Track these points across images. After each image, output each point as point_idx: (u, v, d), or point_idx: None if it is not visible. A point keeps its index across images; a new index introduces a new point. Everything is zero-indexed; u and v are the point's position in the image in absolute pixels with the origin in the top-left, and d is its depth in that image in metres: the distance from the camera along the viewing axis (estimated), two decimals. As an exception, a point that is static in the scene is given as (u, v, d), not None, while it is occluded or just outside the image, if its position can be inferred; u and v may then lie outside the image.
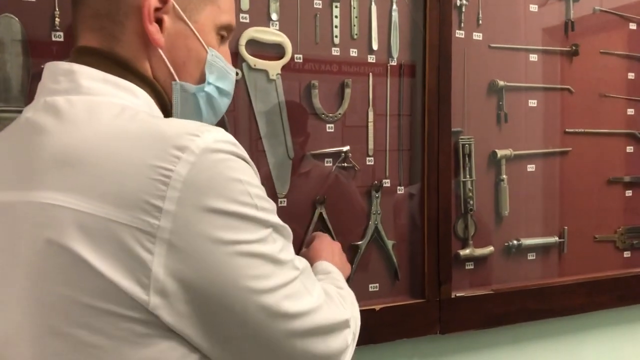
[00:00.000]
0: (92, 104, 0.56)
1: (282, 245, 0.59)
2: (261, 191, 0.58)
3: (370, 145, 1.23)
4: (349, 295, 0.78)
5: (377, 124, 1.23)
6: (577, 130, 1.44)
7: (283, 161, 1.15)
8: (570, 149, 1.44)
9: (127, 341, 0.50)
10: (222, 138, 0.55)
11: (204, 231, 0.51)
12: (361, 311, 1.16)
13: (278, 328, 0.56)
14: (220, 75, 0.69)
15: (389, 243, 1.25)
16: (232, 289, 0.53)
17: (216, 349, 0.55)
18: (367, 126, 1.22)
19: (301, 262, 0.63)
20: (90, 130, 0.53)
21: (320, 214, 1.17)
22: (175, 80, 0.64)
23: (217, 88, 0.69)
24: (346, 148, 1.19)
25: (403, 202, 1.27)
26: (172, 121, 0.56)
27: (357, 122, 1.22)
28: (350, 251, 1.21)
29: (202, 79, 0.66)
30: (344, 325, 0.66)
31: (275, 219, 0.59)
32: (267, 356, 0.57)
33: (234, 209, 0.53)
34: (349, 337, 0.67)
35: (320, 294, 0.63)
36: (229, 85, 0.72)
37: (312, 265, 0.90)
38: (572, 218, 1.46)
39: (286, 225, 0.62)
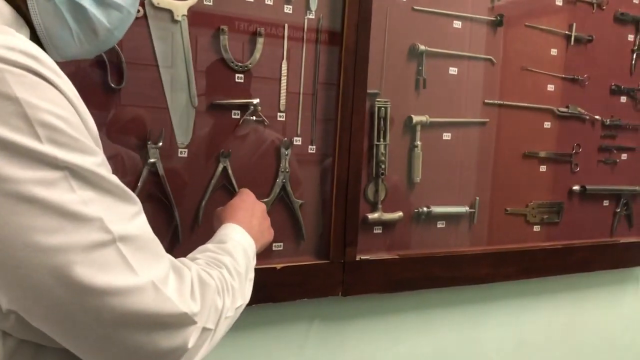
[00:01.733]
0: None
1: (87, 198, 0.48)
2: (62, 122, 0.47)
3: (282, 101, 1.19)
4: (223, 279, 0.65)
5: (291, 79, 1.20)
6: (495, 102, 1.45)
7: (185, 110, 1.10)
8: (488, 120, 1.45)
9: None
10: (6, 43, 0.45)
11: None
12: (262, 270, 1.13)
13: (75, 300, 0.46)
14: None
15: (296, 202, 1.23)
16: None
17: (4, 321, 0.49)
18: (279, 80, 1.19)
19: (138, 228, 0.52)
20: None
21: (224, 168, 1.14)
22: None
23: None
24: (256, 101, 1.16)
25: (313, 161, 1.25)
26: None
27: (269, 74, 1.18)
28: (255, 208, 1.19)
29: None
30: (184, 321, 0.54)
31: (81, 161, 0.48)
32: (71, 337, 0.49)
33: None
34: (192, 336, 0.55)
35: (152, 274, 0.51)
36: None
37: (220, 225, 0.84)
38: (485, 189, 1.48)
39: (112, 179, 0.51)
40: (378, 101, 1.29)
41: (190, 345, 0.55)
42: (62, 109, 0.48)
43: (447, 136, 1.40)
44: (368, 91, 1.25)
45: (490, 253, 1.46)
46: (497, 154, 1.48)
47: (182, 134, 1.10)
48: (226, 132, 1.15)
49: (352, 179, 1.25)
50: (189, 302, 0.55)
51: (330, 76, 1.24)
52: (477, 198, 1.47)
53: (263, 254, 1.21)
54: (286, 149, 1.20)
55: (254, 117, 1.16)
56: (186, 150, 1.11)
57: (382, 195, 1.33)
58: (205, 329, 0.58)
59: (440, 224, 1.43)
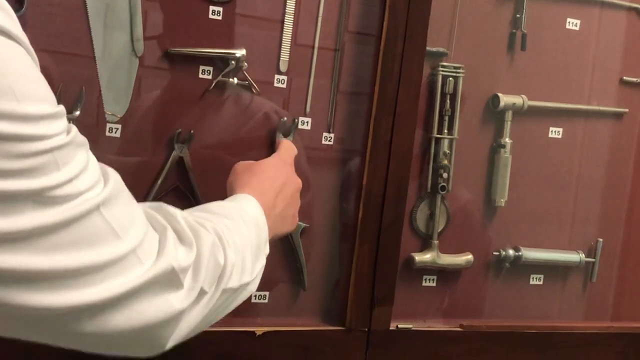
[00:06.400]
0: None
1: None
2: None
3: (284, 56, 1.20)
4: (223, 234, 0.83)
5: (301, 22, 1.20)
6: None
7: (123, 61, 1.11)
8: (627, 110, 1.45)
9: None
10: None
11: None
12: (235, 334, 1.14)
13: None
14: None
15: (296, 226, 1.19)
16: None
17: None
18: (281, 22, 1.19)
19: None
20: None
21: (181, 160, 1.14)
22: None
23: None
24: (240, 53, 1.16)
25: (329, 160, 1.26)
26: None
27: (265, 12, 1.18)
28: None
29: None
30: (170, 279, 0.72)
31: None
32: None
33: None
34: (179, 296, 0.73)
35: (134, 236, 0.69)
36: None
37: (232, 191, 1.01)
38: (613, 226, 1.47)
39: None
40: (444, 67, 1.29)
41: (178, 306, 0.72)
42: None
43: (555, 132, 1.39)
44: (428, 49, 1.24)
45: (621, 334, 1.44)
46: (640, 166, 1.47)
47: (115, 99, 1.11)
48: (187, 101, 1.15)
49: (391, 195, 1.23)
50: (172, 253, 0.72)
51: (366, 21, 1.23)
52: (600, 240, 1.45)
53: (235, 310, 1.21)
54: (285, 135, 1.20)
55: (236, 80, 1.16)
56: (119, 127, 1.12)
57: (440, 225, 1.32)
58: (201, 291, 0.75)
59: (536, 279, 1.41)
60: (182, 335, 0.75)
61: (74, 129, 0.64)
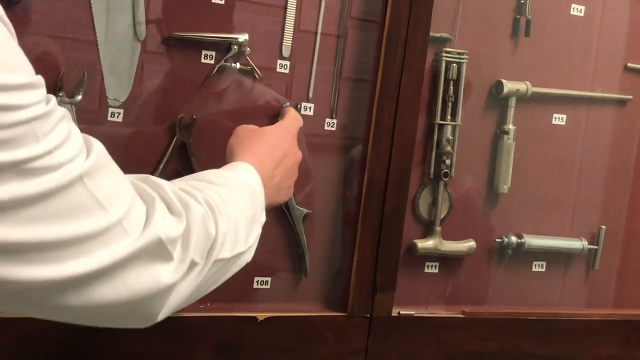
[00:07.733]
0: None
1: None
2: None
3: (287, 42, 1.20)
4: (214, 204, 0.83)
5: (304, 8, 1.20)
6: (645, 67, 1.43)
7: (124, 45, 1.11)
8: (631, 97, 1.44)
9: None
10: None
11: None
12: (237, 319, 1.14)
13: None
14: None
15: (298, 212, 1.23)
16: None
17: None
18: (284, 8, 1.19)
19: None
20: None
21: (183, 144, 1.14)
22: None
23: None
24: (243, 38, 1.16)
25: (332, 146, 1.26)
26: None
27: None
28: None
29: None
30: (156, 250, 0.72)
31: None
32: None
33: None
34: (169, 269, 0.73)
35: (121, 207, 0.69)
36: None
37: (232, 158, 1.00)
38: (617, 214, 1.47)
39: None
40: (448, 53, 1.28)
41: (168, 280, 0.71)
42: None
43: (559, 119, 1.39)
44: (432, 34, 1.24)
45: (623, 322, 1.44)
46: (643, 154, 1.47)
47: (117, 84, 1.11)
48: (190, 86, 1.15)
49: (393, 181, 1.23)
50: (160, 224, 0.71)
51: (369, 7, 1.23)
52: (603, 227, 1.45)
53: (237, 295, 1.22)
54: (287, 122, 1.20)
55: (238, 65, 1.16)
56: (121, 111, 1.11)
57: (443, 212, 1.32)
58: (192, 263, 0.75)
59: (538, 266, 1.41)
60: (173, 307, 0.75)
61: (53, 99, 0.64)
